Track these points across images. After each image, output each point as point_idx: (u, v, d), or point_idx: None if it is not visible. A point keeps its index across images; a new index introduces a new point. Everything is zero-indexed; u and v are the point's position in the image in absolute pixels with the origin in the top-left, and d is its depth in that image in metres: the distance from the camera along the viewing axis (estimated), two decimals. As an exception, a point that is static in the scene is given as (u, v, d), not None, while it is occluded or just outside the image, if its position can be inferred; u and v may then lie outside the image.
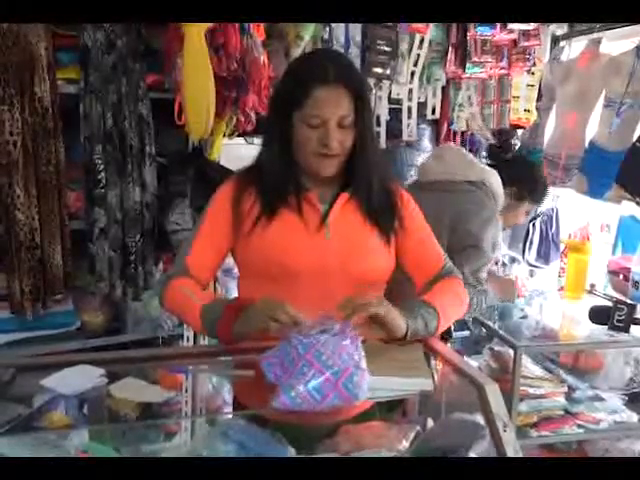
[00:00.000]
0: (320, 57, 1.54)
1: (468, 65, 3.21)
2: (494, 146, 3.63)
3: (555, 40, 3.59)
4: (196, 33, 2.24)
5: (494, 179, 2.38)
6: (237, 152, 2.68)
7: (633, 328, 2.52)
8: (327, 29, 2.82)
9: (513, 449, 1.11)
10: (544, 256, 3.54)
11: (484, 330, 3.25)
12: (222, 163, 2.74)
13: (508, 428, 1.14)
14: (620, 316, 2.51)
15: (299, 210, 1.48)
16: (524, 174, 2.68)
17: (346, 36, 2.88)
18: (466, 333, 3.58)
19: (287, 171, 1.48)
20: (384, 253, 1.52)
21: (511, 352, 2.54)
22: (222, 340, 1.40)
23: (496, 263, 3.79)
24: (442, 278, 1.57)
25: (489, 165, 2.55)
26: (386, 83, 3.11)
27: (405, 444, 1.36)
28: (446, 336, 2.27)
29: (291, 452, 1.27)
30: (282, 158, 1.48)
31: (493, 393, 1.19)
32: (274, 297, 1.33)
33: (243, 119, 2.58)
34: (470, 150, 3.45)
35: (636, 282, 2.87)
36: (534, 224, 3.56)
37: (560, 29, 3.56)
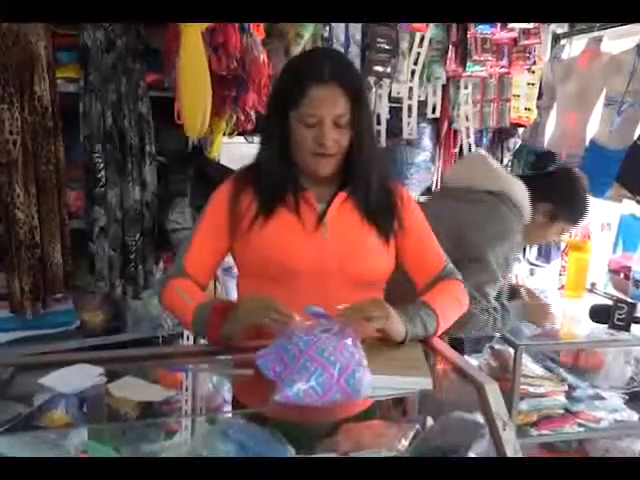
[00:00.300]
0: (317, 56, 1.54)
1: (468, 63, 3.20)
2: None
3: (556, 39, 3.58)
4: (193, 32, 2.24)
5: (518, 191, 2.19)
6: (237, 151, 2.68)
7: (633, 327, 2.52)
8: (327, 28, 2.81)
9: (513, 448, 1.11)
10: (545, 255, 3.54)
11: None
12: (222, 162, 2.73)
13: (508, 427, 1.14)
14: (620, 315, 2.51)
15: (297, 209, 1.48)
16: (564, 190, 2.32)
17: (346, 34, 2.87)
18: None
19: (285, 170, 1.48)
20: (383, 253, 1.52)
21: (511, 351, 2.54)
22: (211, 341, 1.42)
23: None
24: (442, 280, 1.57)
25: (523, 176, 2.35)
26: (386, 81, 3.11)
27: (405, 443, 1.36)
28: (458, 342, 2.18)
29: (290, 451, 1.27)
30: (280, 157, 1.47)
31: (493, 392, 1.19)
32: (265, 294, 1.35)
33: (243, 118, 2.58)
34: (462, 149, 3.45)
35: (637, 281, 2.87)
36: (534, 223, 3.55)
37: (561, 28, 3.56)
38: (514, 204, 2.17)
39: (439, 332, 1.47)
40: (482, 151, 2.40)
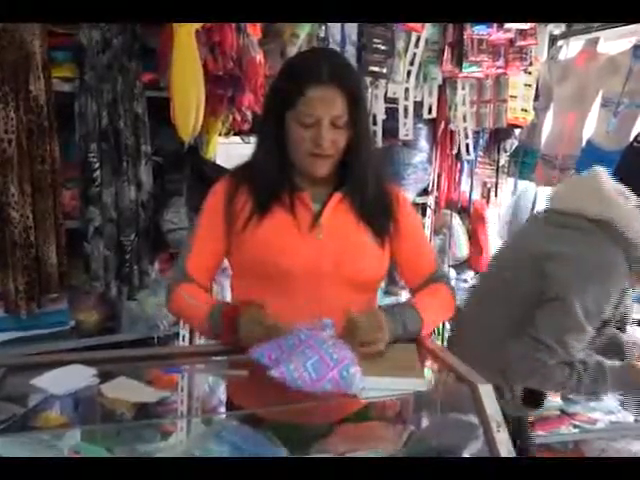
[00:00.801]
0: (315, 56, 1.54)
1: (465, 64, 3.20)
2: None
3: (553, 40, 3.59)
4: (185, 32, 2.23)
5: (631, 221, 1.76)
6: (234, 151, 2.67)
7: (629, 328, 2.52)
8: (323, 27, 2.81)
9: (507, 449, 1.11)
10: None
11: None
12: (219, 162, 2.73)
13: (501, 428, 1.13)
14: (616, 316, 2.50)
15: (292, 209, 1.47)
16: None
17: (342, 34, 2.87)
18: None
19: (280, 170, 1.48)
20: (377, 254, 1.52)
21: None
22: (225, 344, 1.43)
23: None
24: (432, 283, 1.58)
25: None
26: (382, 82, 3.10)
27: (399, 444, 1.35)
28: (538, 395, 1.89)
29: (284, 453, 1.27)
30: (276, 157, 1.47)
31: (487, 393, 1.18)
32: (257, 309, 1.36)
33: (239, 118, 2.58)
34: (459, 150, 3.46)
35: (633, 282, 2.86)
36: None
37: (558, 28, 3.57)
38: (622, 237, 1.75)
39: (423, 333, 1.47)
40: (599, 169, 1.90)
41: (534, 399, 1.76)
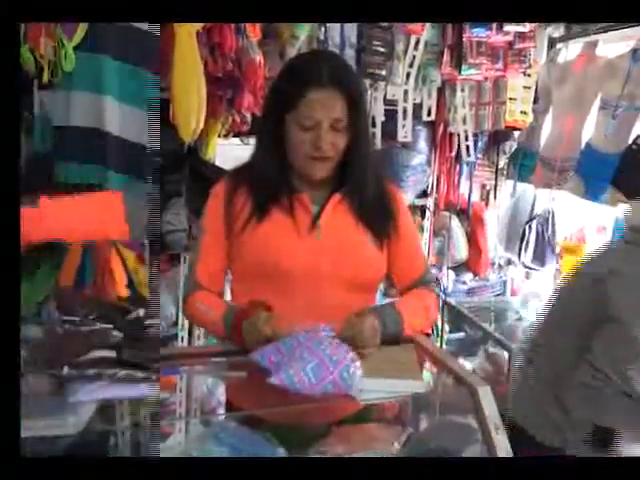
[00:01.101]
0: (316, 58, 1.54)
1: (464, 66, 3.21)
2: None
3: (552, 42, 3.59)
4: (186, 33, 2.22)
5: None
6: (233, 152, 2.67)
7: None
8: (322, 29, 2.81)
9: (505, 452, 1.11)
10: (540, 258, 3.54)
11: (479, 332, 3.25)
12: (218, 164, 2.73)
13: (500, 430, 1.13)
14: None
15: (291, 211, 1.48)
16: None
17: (341, 36, 2.87)
18: (461, 335, 3.59)
19: (280, 172, 1.48)
20: (376, 255, 1.52)
21: (506, 354, 2.54)
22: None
23: (492, 264, 3.81)
24: (419, 285, 1.58)
25: None
26: (381, 84, 3.11)
27: (397, 446, 1.35)
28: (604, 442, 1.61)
29: (282, 454, 1.27)
30: (275, 159, 1.47)
31: (486, 395, 1.18)
32: (260, 310, 1.37)
33: (238, 119, 2.58)
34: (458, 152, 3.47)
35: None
36: (530, 226, 3.56)
37: (557, 31, 3.57)
38: None
39: (404, 334, 1.45)
40: None
41: (600, 437, 1.56)
